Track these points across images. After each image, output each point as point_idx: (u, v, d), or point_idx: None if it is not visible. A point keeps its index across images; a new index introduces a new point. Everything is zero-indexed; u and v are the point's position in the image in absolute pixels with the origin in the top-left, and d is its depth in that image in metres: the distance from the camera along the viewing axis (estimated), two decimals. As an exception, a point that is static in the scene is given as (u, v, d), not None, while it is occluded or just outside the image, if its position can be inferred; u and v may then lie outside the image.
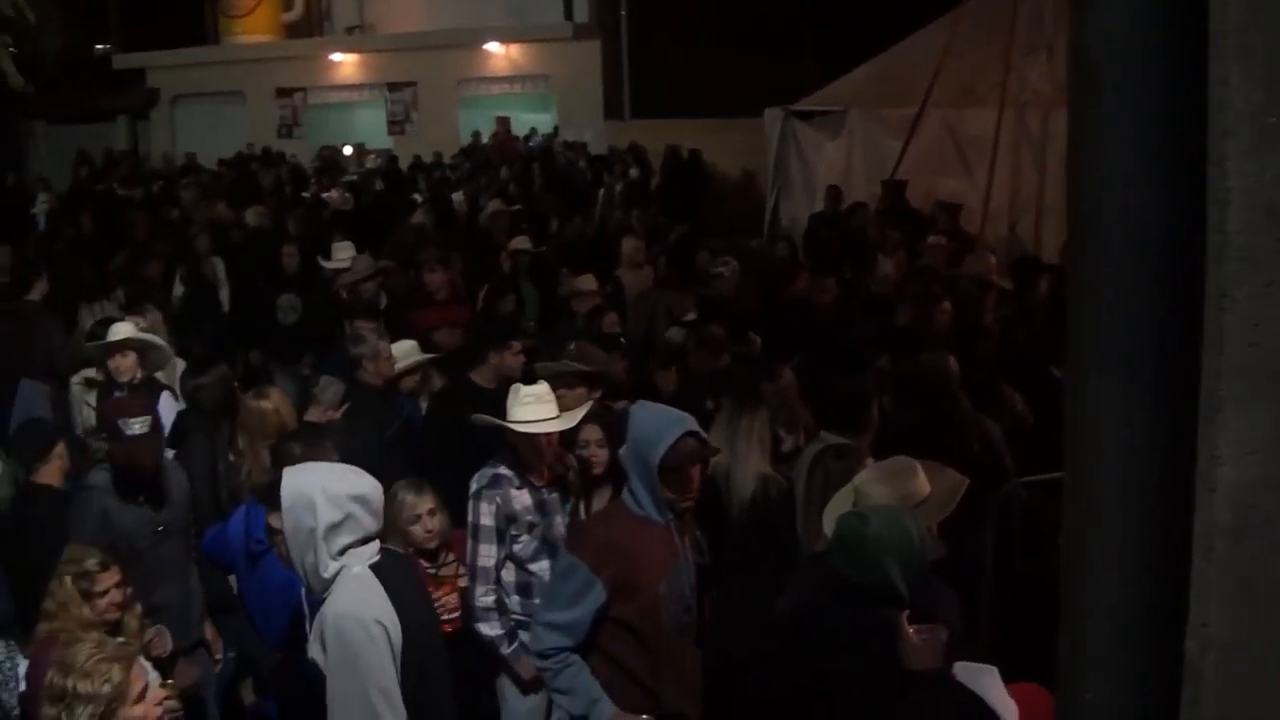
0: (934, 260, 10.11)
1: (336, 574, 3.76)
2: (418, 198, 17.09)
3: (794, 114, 15.54)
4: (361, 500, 3.80)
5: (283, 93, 28.54)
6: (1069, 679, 1.99)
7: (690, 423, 4.30)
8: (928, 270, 9.76)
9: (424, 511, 4.93)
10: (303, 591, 4.01)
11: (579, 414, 5.30)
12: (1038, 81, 12.77)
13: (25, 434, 5.73)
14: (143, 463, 5.12)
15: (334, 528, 3.73)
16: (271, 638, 4.74)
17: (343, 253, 9.80)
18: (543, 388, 5.20)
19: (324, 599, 3.77)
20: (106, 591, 4.31)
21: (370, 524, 3.85)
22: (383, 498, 3.97)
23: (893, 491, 4.18)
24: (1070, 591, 1.92)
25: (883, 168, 14.04)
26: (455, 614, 4.92)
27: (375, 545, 3.89)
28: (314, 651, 3.80)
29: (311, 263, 10.91)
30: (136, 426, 5.03)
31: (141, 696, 3.36)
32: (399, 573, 4.00)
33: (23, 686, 4.35)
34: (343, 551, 3.76)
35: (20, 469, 5.58)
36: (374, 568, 3.83)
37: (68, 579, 4.28)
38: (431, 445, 6.47)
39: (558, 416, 5.13)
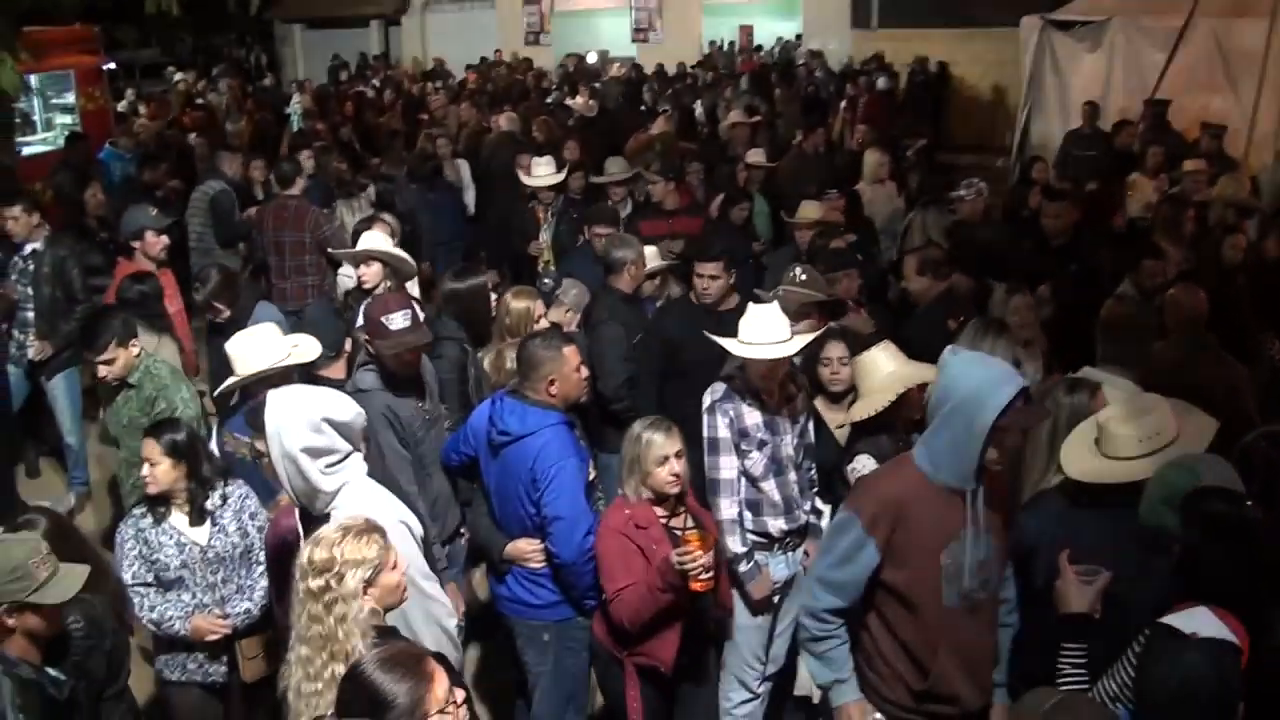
0: (1193, 187, 9.54)
1: (338, 489, 3.99)
2: (664, 108, 17.08)
3: (1052, 23, 14.80)
4: (341, 426, 4.00)
5: None
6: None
7: (1020, 379, 3.84)
8: (1177, 198, 9.24)
9: (671, 453, 4.53)
10: (297, 514, 4.19)
11: (803, 340, 5.14)
12: (1315, -12, 11.83)
13: (317, 332, 5.86)
14: (407, 356, 5.28)
15: (314, 452, 3.94)
16: (508, 523, 4.93)
17: (541, 169, 9.58)
18: (773, 309, 5.12)
19: (328, 514, 3.95)
20: None
21: (346, 447, 4.05)
22: (364, 422, 4.15)
23: (1138, 431, 4.05)
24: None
25: (1143, 83, 13.30)
26: (710, 575, 4.33)
27: (359, 455, 4.12)
28: None
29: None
30: (399, 320, 5.17)
31: (395, 565, 3.53)
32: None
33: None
34: (330, 468, 3.99)
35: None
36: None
37: None
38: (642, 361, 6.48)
39: (787, 340, 5.00)
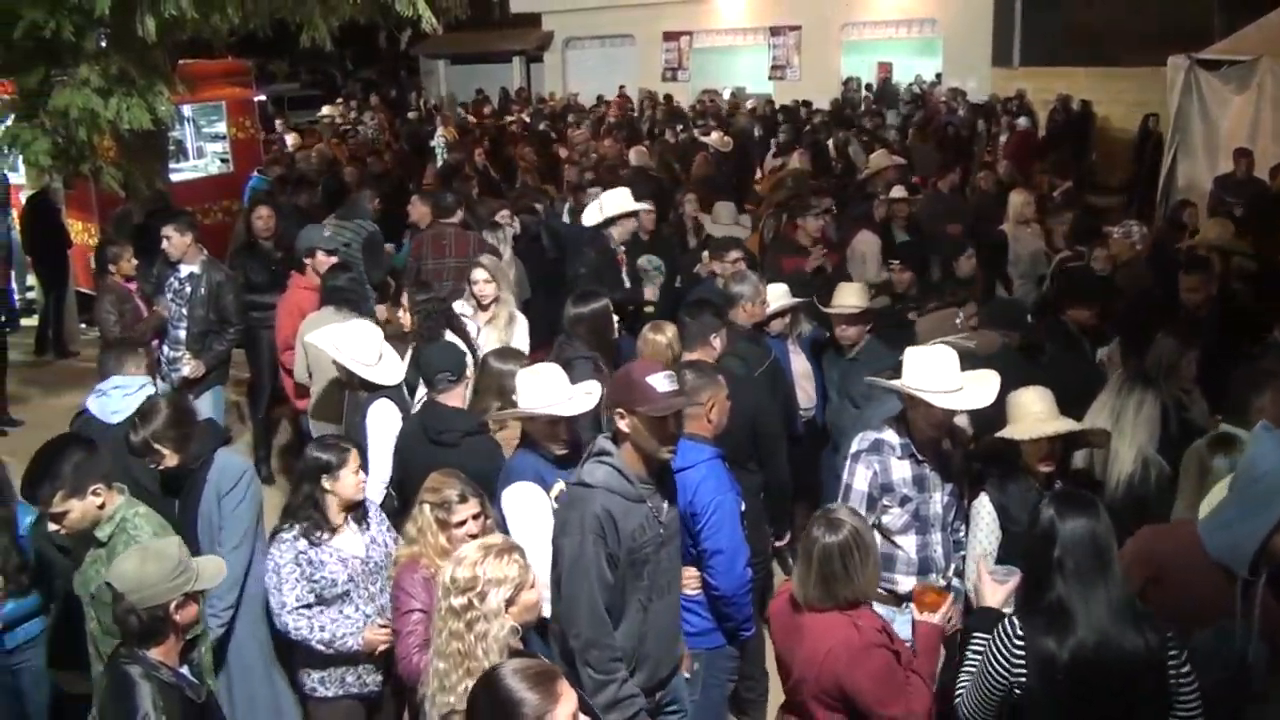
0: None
1: None
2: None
3: (1199, 63, 14.31)
4: None
5: (669, 36, 29.22)
6: None
7: None
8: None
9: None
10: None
11: (991, 392, 4.83)
12: None
13: (440, 355, 5.83)
14: (672, 427, 4.19)
15: None
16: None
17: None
18: (951, 354, 4.85)
19: None
20: (463, 522, 4.42)
21: None
22: None
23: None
24: None
25: (1293, 125, 12.84)
26: None
27: None
28: None
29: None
30: (665, 382, 4.17)
31: (534, 584, 3.55)
32: None
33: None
34: None
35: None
36: None
37: (427, 507, 4.46)
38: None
39: (961, 389, 4.76)
